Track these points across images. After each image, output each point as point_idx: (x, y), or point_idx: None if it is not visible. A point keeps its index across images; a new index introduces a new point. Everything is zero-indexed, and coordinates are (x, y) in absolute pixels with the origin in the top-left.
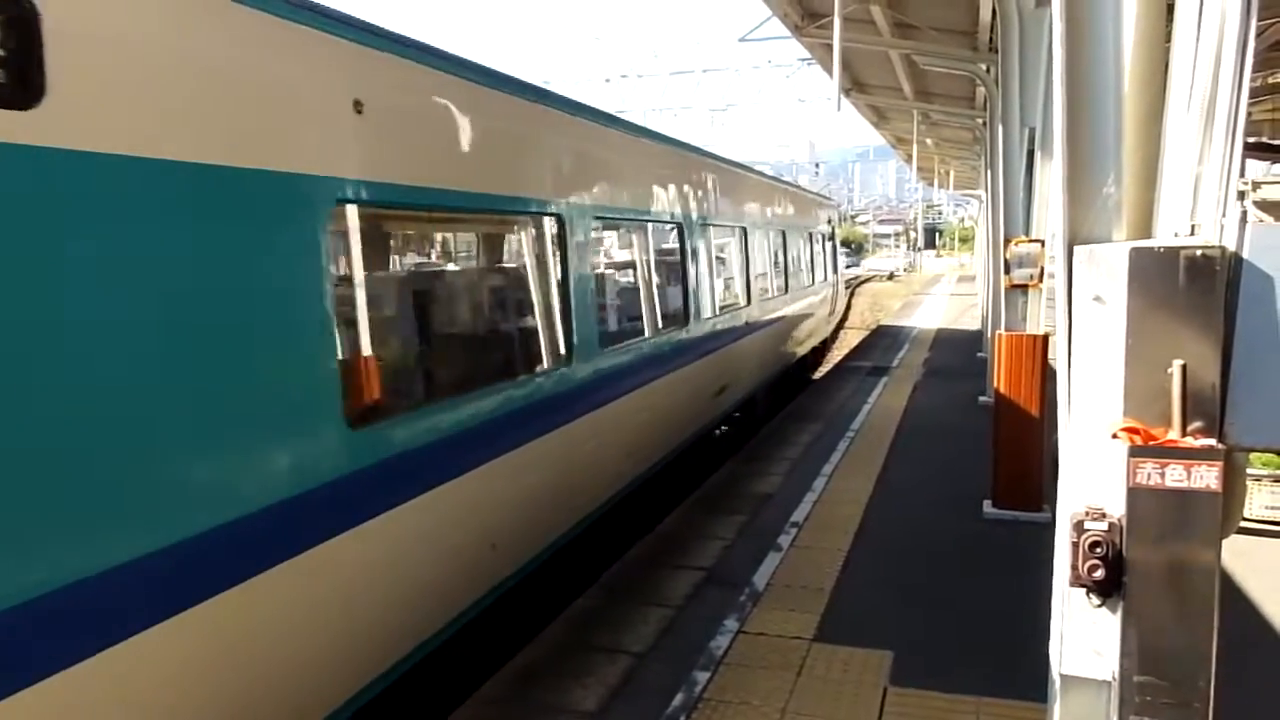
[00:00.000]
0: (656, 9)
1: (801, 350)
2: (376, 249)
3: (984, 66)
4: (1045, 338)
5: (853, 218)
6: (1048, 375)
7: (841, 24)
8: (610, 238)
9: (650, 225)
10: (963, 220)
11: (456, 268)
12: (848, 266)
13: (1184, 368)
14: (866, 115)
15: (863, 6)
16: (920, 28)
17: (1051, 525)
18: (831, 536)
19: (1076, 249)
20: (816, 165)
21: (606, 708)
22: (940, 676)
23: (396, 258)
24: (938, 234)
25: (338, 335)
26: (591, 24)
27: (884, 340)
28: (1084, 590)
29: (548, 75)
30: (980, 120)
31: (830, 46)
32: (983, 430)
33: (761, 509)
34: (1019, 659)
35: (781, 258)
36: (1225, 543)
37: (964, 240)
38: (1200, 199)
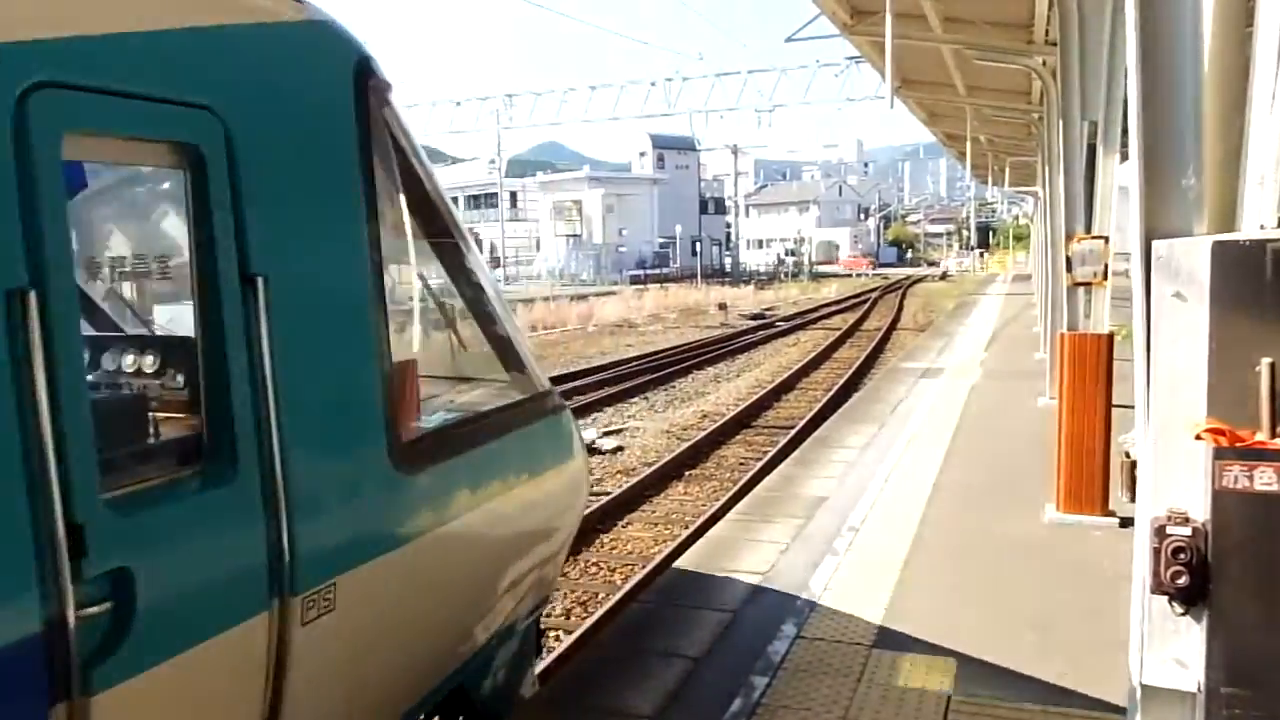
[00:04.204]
0: (702, 10)
1: None
2: None
3: (1040, 60)
4: (1110, 337)
5: (903, 217)
6: (1113, 376)
7: (892, 20)
8: None
9: None
10: (1017, 218)
11: None
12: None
13: (1272, 366)
14: (917, 113)
15: (914, 1)
16: (973, 22)
17: (1118, 530)
18: (890, 541)
19: (1154, 244)
20: (866, 164)
21: (663, 712)
22: (1006, 685)
23: None
24: (991, 232)
25: None
26: (637, 28)
27: None
28: (1166, 598)
29: (593, 79)
30: (1037, 115)
31: (879, 44)
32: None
33: (816, 513)
34: (1089, 668)
35: None
36: None
37: (1019, 239)
38: None
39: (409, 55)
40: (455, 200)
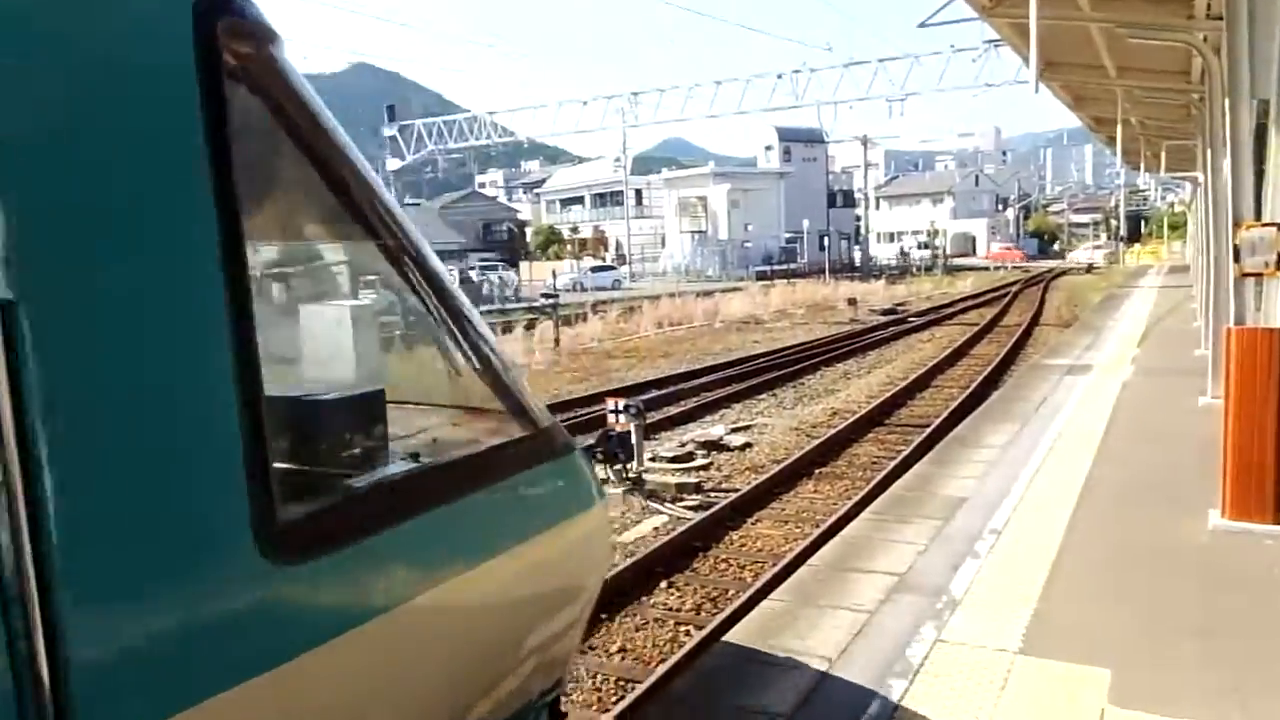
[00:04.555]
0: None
1: None
2: None
3: (1201, 35)
4: None
5: (1045, 207)
6: None
7: (1037, 0)
8: None
9: None
10: (1172, 206)
11: None
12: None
13: None
14: (1062, 97)
15: None
16: None
17: None
18: (1035, 544)
19: None
20: (1004, 152)
21: (798, 711)
22: (1168, 700)
23: None
24: (1143, 221)
25: None
26: (763, 20)
27: None
28: None
29: (719, 74)
30: (1197, 95)
31: (1021, 25)
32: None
33: (956, 513)
34: (1259, 682)
35: None
36: None
37: (1174, 228)
38: None
39: (536, 56)
40: (581, 199)
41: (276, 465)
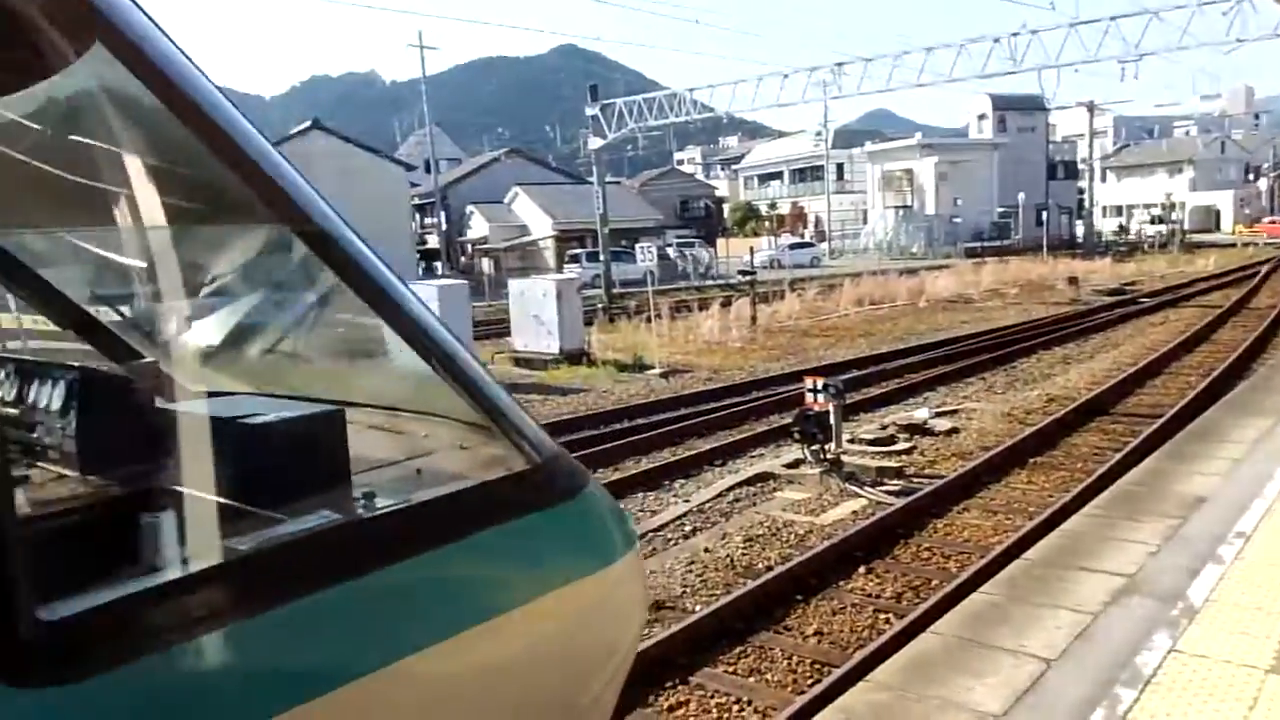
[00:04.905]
0: None
1: None
2: None
3: None
4: None
5: None
6: None
7: None
8: None
9: None
10: None
11: None
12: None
13: None
14: None
15: None
16: None
17: None
18: None
19: None
20: (1256, 116)
21: (1012, 711)
22: None
23: None
24: None
25: None
26: None
27: None
28: None
29: (929, 40)
30: None
31: None
32: None
33: (1194, 513)
34: None
35: None
36: None
37: None
38: None
39: (738, 30)
40: (780, 175)
41: (41, 526)
